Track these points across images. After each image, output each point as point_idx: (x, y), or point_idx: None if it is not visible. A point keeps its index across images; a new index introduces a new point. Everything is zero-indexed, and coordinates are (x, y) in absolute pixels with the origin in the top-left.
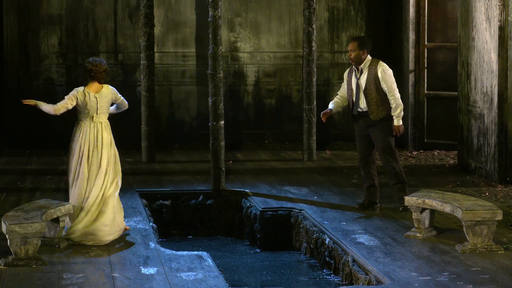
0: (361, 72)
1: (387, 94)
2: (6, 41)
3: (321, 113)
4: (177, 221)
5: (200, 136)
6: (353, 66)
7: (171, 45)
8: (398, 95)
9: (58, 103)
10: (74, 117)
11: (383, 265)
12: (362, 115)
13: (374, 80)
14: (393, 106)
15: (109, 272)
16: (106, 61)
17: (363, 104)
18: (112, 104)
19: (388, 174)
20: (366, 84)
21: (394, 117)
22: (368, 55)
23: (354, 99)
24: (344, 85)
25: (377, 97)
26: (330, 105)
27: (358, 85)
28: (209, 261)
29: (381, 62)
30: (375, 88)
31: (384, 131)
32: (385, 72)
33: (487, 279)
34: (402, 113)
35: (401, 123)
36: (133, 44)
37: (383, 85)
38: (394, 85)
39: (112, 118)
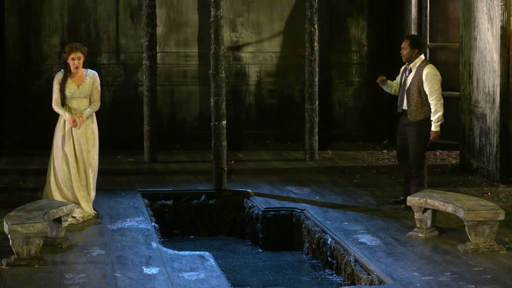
0: (410, 71)
1: (428, 97)
2: (8, 40)
3: (381, 76)
4: (179, 221)
5: (202, 136)
6: (406, 64)
7: (173, 45)
8: (439, 100)
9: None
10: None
11: (385, 265)
12: (403, 113)
13: (418, 81)
14: (432, 110)
15: (111, 272)
16: (108, 61)
17: (404, 103)
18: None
19: (412, 175)
20: (410, 84)
21: (432, 122)
22: (422, 55)
23: (399, 97)
24: (398, 78)
25: (417, 98)
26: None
27: (404, 84)
28: (211, 261)
29: (429, 65)
30: (417, 90)
31: (419, 134)
32: (430, 75)
33: (489, 279)
34: (442, 119)
35: (438, 129)
36: (135, 44)
37: (426, 88)
38: (437, 90)
39: (113, 117)
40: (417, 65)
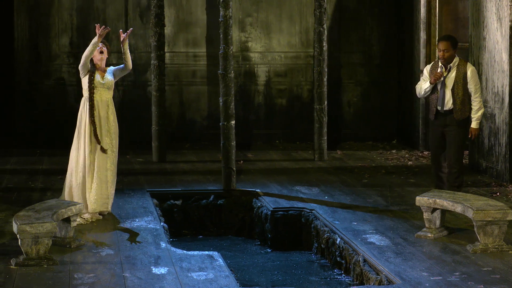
0: (449, 71)
1: (472, 95)
2: (17, 40)
3: (438, 73)
4: (188, 221)
5: (211, 136)
6: (440, 64)
7: (182, 45)
8: (481, 98)
9: None
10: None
11: (394, 265)
12: (442, 113)
13: (462, 80)
14: (475, 108)
15: (120, 272)
16: (118, 61)
17: (446, 102)
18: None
19: (451, 176)
20: (454, 83)
21: (473, 119)
22: (456, 55)
23: (437, 97)
24: (424, 79)
25: (462, 97)
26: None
27: (443, 83)
28: (220, 261)
29: (469, 63)
30: (462, 87)
31: (461, 133)
32: (474, 73)
33: (498, 279)
34: (482, 117)
35: (479, 126)
36: (144, 44)
37: (470, 86)
38: (480, 88)
39: (122, 117)
40: (457, 63)
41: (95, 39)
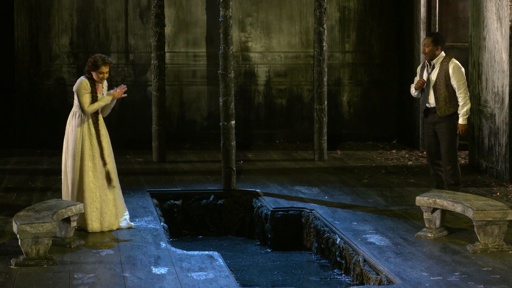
0: (433, 67)
1: (456, 91)
2: (17, 40)
3: (420, 80)
4: (188, 221)
5: (211, 136)
6: (426, 61)
7: (182, 45)
8: (467, 93)
9: None
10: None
11: (394, 265)
12: (430, 111)
13: (444, 76)
14: (460, 103)
15: (120, 272)
16: (118, 61)
17: (431, 100)
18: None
19: (446, 173)
20: (436, 79)
21: (459, 115)
22: (442, 52)
23: (424, 94)
24: (417, 79)
25: (445, 93)
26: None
27: (428, 80)
28: (220, 261)
29: (453, 59)
30: (444, 84)
31: (450, 129)
32: (456, 69)
33: (498, 279)
34: (469, 113)
35: (466, 122)
36: (144, 44)
37: (453, 82)
38: (464, 83)
39: (122, 117)
40: (440, 60)
41: (111, 98)
